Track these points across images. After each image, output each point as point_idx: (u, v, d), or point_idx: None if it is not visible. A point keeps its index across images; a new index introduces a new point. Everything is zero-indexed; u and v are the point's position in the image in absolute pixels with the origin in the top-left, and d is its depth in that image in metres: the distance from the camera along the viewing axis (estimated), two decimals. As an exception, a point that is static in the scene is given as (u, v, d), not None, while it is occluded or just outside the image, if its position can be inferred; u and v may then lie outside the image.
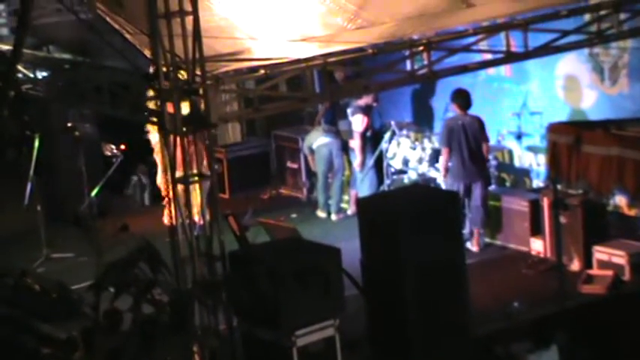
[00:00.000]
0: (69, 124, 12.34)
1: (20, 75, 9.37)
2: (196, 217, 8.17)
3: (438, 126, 12.24)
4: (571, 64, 11.59)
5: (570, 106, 11.75)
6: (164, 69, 7.61)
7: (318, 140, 12.63)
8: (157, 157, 10.99)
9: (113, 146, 13.13)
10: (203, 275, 7.74)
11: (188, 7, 7.63)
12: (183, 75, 7.72)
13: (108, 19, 8.20)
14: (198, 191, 8.09)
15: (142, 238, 7.20)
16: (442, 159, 11.33)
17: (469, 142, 11.12)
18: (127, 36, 8.09)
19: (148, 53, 7.82)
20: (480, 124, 11.23)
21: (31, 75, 9.39)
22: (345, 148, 12.70)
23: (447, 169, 11.23)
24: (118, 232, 7.87)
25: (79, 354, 7.71)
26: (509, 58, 9.61)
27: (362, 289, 8.57)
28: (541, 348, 8.27)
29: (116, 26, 8.14)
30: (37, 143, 11.62)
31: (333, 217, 12.58)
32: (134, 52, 8.06)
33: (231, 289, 7.33)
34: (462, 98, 11.23)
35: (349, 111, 12.45)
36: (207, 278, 7.69)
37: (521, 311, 9.23)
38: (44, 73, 9.40)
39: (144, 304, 6.81)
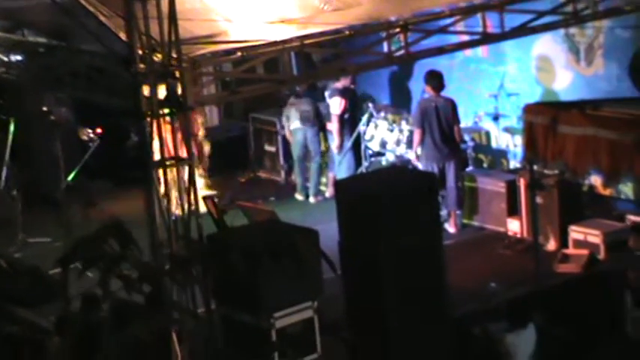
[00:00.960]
0: (44, 109, 12.27)
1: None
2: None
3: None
4: (547, 44, 11.63)
5: (546, 86, 11.80)
6: (140, 52, 7.57)
7: (294, 123, 12.61)
8: None
9: (90, 130, 13.06)
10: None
11: (163, -10, 7.58)
12: (158, 57, 7.68)
13: (83, 1, 8.14)
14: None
15: (111, 216, 7.18)
16: (414, 140, 11.37)
17: (441, 124, 11.17)
18: (102, 19, 8.03)
19: (123, 36, 7.77)
20: (452, 106, 11.27)
21: (6, 59, 9.31)
22: (323, 131, 12.71)
23: (417, 150, 11.28)
24: (86, 207, 7.83)
25: (55, 340, 7.69)
26: (486, 39, 9.62)
27: (334, 266, 8.52)
28: (518, 327, 8.32)
29: (91, 9, 8.07)
30: (12, 128, 11.55)
31: (311, 199, 12.59)
32: (110, 36, 8.00)
33: (203, 265, 7.32)
34: (435, 80, 11.27)
35: (327, 93, 12.44)
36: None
37: (498, 291, 9.29)
38: (19, 57, 9.33)
39: (113, 280, 6.80)
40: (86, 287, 7.44)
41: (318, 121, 12.60)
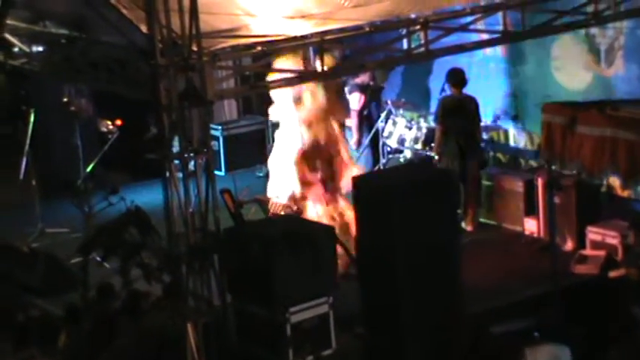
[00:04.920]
0: (64, 100, 12.32)
1: (16, 49, 9.35)
2: None
3: (434, 106, 12.25)
4: (567, 44, 11.59)
5: (565, 87, 11.76)
6: (160, 44, 7.60)
7: None
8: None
9: (109, 122, 13.11)
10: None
11: (185, -17, 7.62)
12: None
13: (104, -7, 8.18)
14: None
15: (132, 204, 7.21)
16: (436, 137, 11.35)
17: (463, 122, 11.14)
18: (123, 11, 8.07)
19: (144, 28, 7.80)
20: (474, 103, 11.25)
21: (27, 49, 9.37)
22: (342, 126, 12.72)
23: (439, 148, 11.26)
24: (108, 194, 7.86)
25: (64, 337, 7.71)
26: (506, 37, 9.61)
27: (352, 257, 8.54)
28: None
29: (112, 1, 8.11)
30: (32, 118, 11.61)
31: None
32: (130, 28, 8.04)
33: (223, 256, 7.34)
34: (457, 77, 11.24)
35: (346, 89, 12.44)
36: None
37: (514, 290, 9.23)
38: (40, 48, 9.38)
39: (133, 268, 6.82)
40: (103, 277, 7.46)
41: None
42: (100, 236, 6.80)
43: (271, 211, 10.34)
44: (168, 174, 7.74)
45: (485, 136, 11.77)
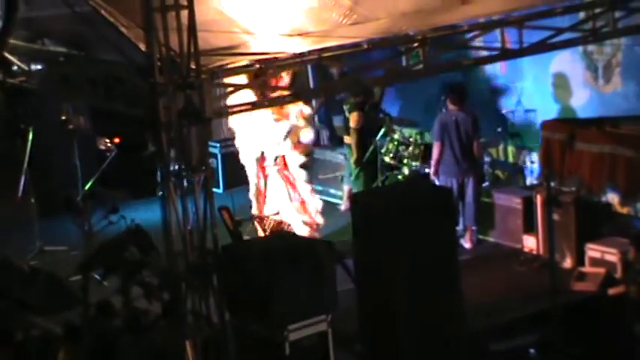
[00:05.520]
0: (63, 117, 12.34)
1: (14, 67, 9.36)
2: None
3: (433, 122, 12.27)
4: (565, 61, 11.62)
5: (563, 103, 11.78)
6: (159, 62, 7.61)
7: None
8: None
9: (107, 140, 13.12)
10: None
11: (183, 1, 7.63)
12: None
13: (103, 12, 8.20)
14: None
15: (132, 222, 7.21)
16: (434, 153, 11.35)
17: (461, 138, 11.14)
18: (122, 29, 8.08)
19: (143, 47, 7.81)
20: (473, 120, 11.25)
21: (26, 68, 9.38)
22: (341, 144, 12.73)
23: (437, 164, 11.25)
24: (107, 213, 7.86)
25: (63, 355, 7.69)
26: (504, 55, 9.63)
27: (352, 273, 8.52)
28: None
29: (111, 19, 8.13)
30: (30, 135, 11.62)
31: None
32: (129, 46, 8.05)
33: (221, 273, 7.33)
34: (456, 94, 11.24)
35: (346, 108, 12.45)
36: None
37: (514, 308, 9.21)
38: (39, 66, 9.39)
39: (133, 287, 6.82)
40: (103, 295, 7.45)
41: None
42: (101, 255, 6.80)
43: (269, 228, 10.35)
44: (166, 192, 7.73)
45: (483, 152, 11.77)
